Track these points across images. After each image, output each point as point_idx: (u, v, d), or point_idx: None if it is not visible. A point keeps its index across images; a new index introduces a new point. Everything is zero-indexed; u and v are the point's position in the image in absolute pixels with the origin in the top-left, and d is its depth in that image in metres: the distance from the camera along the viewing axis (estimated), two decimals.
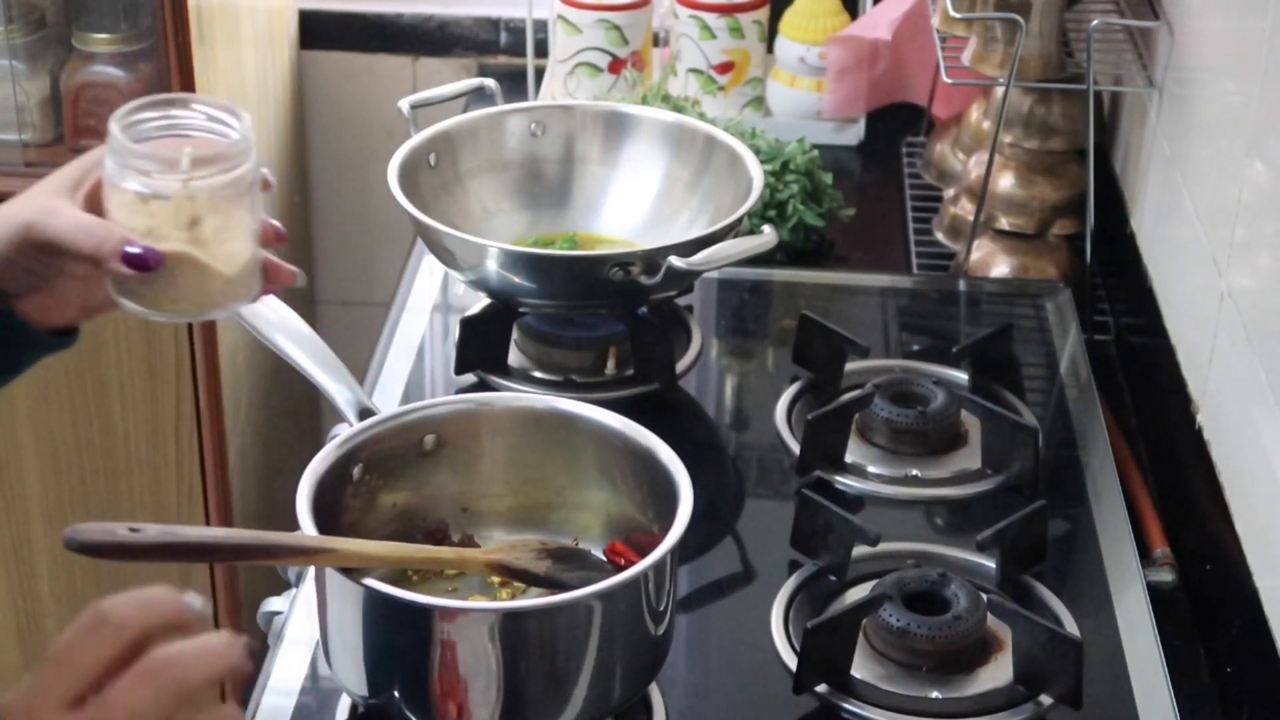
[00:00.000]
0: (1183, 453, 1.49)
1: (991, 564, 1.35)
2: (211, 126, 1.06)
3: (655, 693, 1.22)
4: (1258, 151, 1.36)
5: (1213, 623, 1.37)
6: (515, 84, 2.16)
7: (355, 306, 2.48)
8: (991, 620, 1.27)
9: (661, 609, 1.14)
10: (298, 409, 2.44)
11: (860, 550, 1.33)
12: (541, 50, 2.25)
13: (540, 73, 2.23)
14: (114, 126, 1.03)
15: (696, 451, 1.26)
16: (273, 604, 1.33)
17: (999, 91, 1.81)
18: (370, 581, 1.09)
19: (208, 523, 2.11)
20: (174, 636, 0.81)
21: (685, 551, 1.23)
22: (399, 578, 1.22)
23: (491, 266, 1.50)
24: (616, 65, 2.13)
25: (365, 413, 1.25)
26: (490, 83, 1.73)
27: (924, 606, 1.26)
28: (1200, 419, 1.46)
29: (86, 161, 1.08)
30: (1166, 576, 1.43)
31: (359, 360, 1.43)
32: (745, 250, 1.48)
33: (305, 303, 2.42)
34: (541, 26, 2.23)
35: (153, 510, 2.10)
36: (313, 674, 1.25)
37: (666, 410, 1.54)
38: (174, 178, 1.02)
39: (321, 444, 1.21)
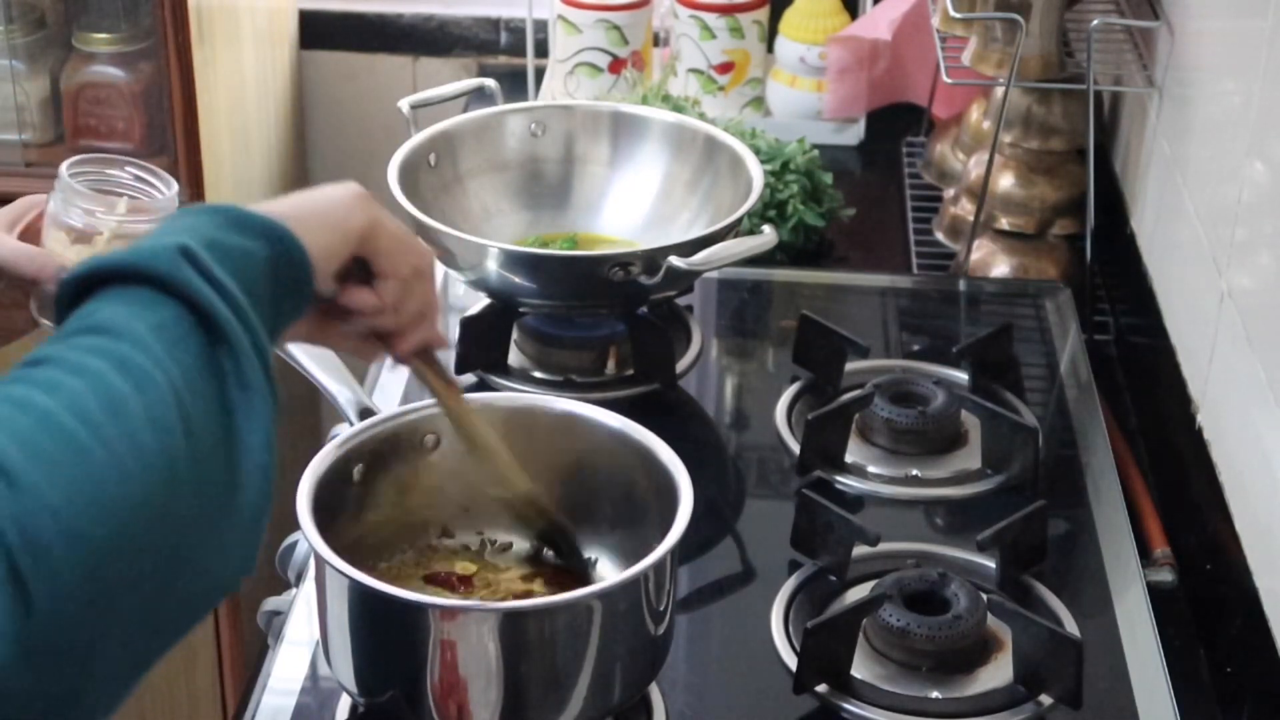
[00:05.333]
0: (1183, 453, 1.49)
1: (991, 564, 1.35)
2: (137, 185, 1.24)
3: (655, 693, 1.22)
4: (1258, 151, 1.36)
5: (1213, 623, 1.37)
6: (515, 84, 2.16)
7: None
8: (991, 620, 1.27)
9: (661, 609, 1.14)
10: (298, 409, 2.44)
11: (860, 550, 1.33)
12: (541, 50, 2.25)
13: (540, 73, 2.23)
14: (64, 170, 1.20)
15: (696, 451, 1.27)
16: (272, 604, 1.33)
17: (999, 91, 1.81)
18: (370, 581, 1.09)
19: None
20: None
21: (685, 551, 1.23)
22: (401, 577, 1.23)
23: (491, 266, 1.50)
24: (616, 65, 2.13)
25: (365, 413, 1.25)
26: (490, 83, 1.73)
27: (924, 606, 1.26)
28: (1200, 419, 1.46)
29: (22, 205, 1.22)
30: (1166, 576, 1.43)
31: (359, 360, 1.43)
32: (745, 250, 1.48)
33: None
34: (541, 26, 2.23)
35: None
36: (313, 674, 1.25)
37: (666, 410, 1.54)
38: (111, 218, 1.20)
39: (321, 444, 1.21)
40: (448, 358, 1.59)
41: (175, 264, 0.82)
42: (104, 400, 0.74)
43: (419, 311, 1.07)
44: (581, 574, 1.24)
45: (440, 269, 1.71)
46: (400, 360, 1.11)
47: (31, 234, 1.20)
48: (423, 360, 1.13)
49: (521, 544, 1.28)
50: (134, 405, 0.75)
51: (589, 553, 1.26)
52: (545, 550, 1.26)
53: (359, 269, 1.03)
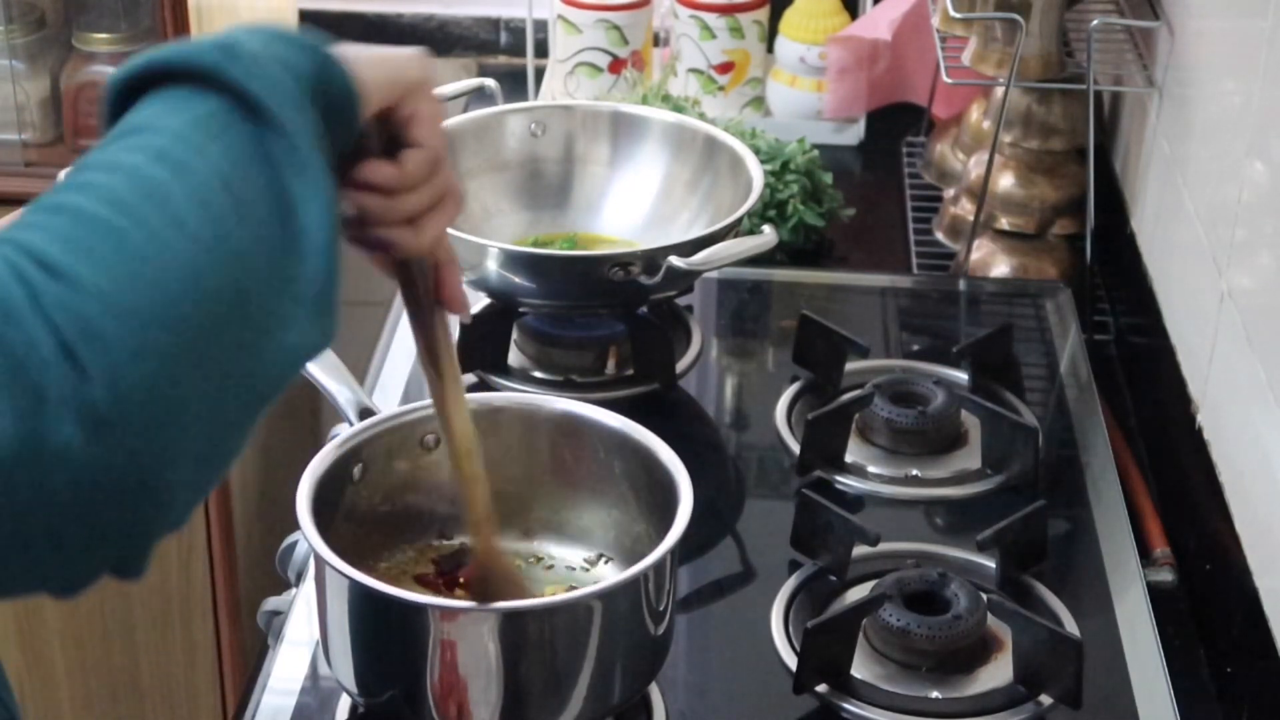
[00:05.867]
0: (1183, 453, 1.49)
1: (991, 564, 1.35)
2: None
3: (655, 693, 1.22)
4: (1258, 151, 1.36)
5: (1213, 623, 1.37)
6: (515, 84, 2.16)
7: (355, 306, 2.46)
8: (991, 620, 1.27)
9: (661, 609, 1.14)
10: (298, 409, 2.44)
11: (860, 550, 1.33)
12: (541, 50, 2.25)
13: (540, 73, 2.23)
14: (63, 175, 1.16)
15: (696, 451, 1.27)
16: (273, 604, 1.33)
17: (999, 91, 1.81)
18: (370, 581, 1.09)
19: (207, 522, 2.11)
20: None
21: (685, 551, 1.23)
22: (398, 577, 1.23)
23: (491, 266, 1.50)
24: (616, 65, 2.13)
25: (365, 413, 1.25)
26: (490, 83, 1.73)
27: (924, 606, 1.26)
28: (1200, 419, 1.46)
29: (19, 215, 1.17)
30: (1166, 576, 1.42)
31: (359, 360, 1.43)
32: (745, 250, 1.48)
33: None
34: (541, 26, 2.23)
35: None
36: (313, 674, 1.25)
37: (666, 410, 1.54)
38: None
39: (321, 444, 1.21)
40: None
41: (217, 59, 0.80)
42: (139, 189, 0.74)
43: (432, 204, 0.99)
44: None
45: None
46: (399, 263, 1.02)
47: None
48: (414, 280, 1.04)
49: (520, 544, 1.28)
50: (172, 190, 0.74)
51: (589, 551, 1.26)
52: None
53: (382, 143, 0.96)
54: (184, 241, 0.73)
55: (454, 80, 1.86)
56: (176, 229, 0.73)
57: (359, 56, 0.90)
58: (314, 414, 2.50)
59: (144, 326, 0.71)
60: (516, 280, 1.50)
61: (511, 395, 1.48)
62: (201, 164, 0.76)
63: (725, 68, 2.14)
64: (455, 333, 1.56)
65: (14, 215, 0.79)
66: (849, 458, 1.49)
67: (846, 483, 1.46)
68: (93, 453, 0.69)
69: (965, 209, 1.89)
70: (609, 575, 1.24)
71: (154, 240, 0.73)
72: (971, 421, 1.52)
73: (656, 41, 2.23)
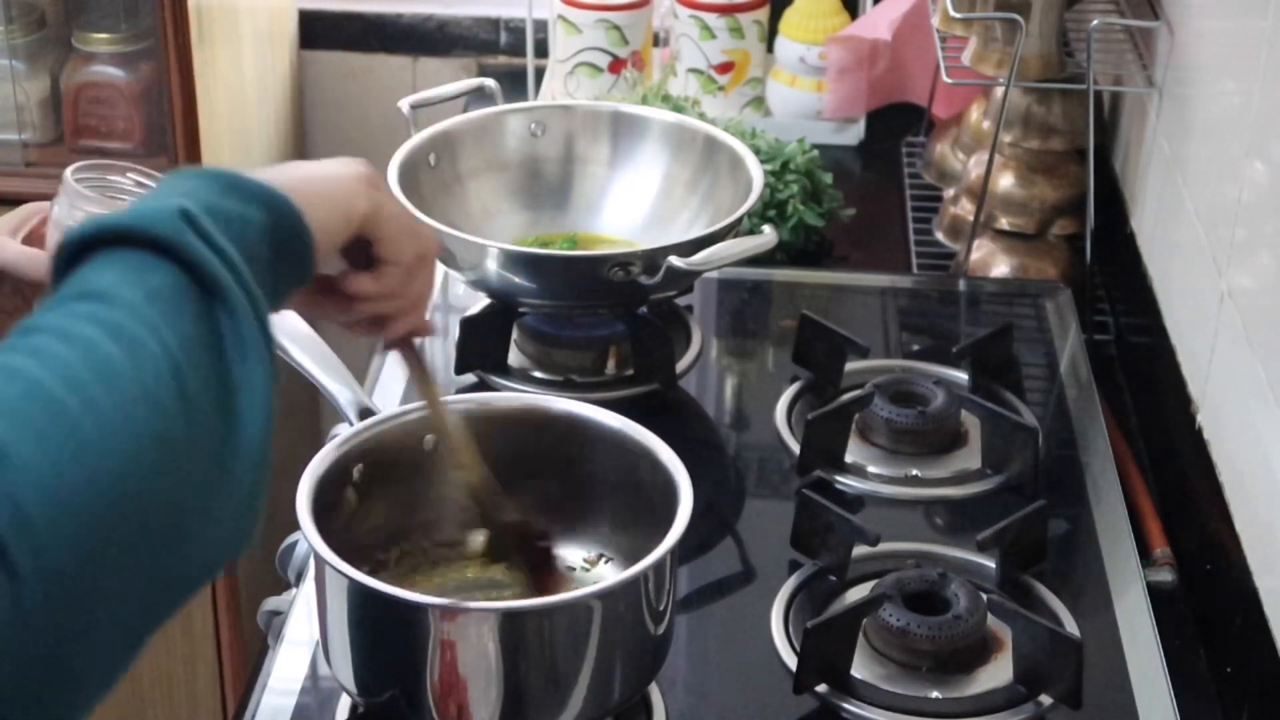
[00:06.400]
0: (1183, 453, 1.49)
1: (991, 564, 1.35)
2: (139, 191, 1.21)
3: (655, 693, 1.22)
4: (1258, 151, 1.36)
5: (1213, 623, 1.37)
6: (515, 84, 2.16)
7: None
8: (991, 620, 1.27)
9: (661, 609, 1.14)
10: (298, 409, 2.44)
11: (860, 550, 1.33)
12: (541, 50, 2.25)
13: (540, 73, 2.23)
14: (68, 175, 1.18)
15: (696, 451, 1.26)
16: (272, 604, 1.33)
17: (999, 91, 1.81)
18: (370, 581, 1.09)
19: None
20: None
21: (685, 551, 1.23)
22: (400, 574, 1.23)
23: (491, 266, 1.50)
24: (616, 65, 2.13)
25: (365, 413, 1.25)
26: (490, 83, 1.73)
27: (924, 606, 1.26)
28: (1200, 419, 1.46)
29: (25, 211, 1.19)
30: (1166, 576, 1.42)
31: (359, 360, 1.43)
32: (745, 250, 1.48)
33: None
34: (541, 26, 2.23)
35: None
36: (313, 674, 1.25)
37: (666, 410, 1.54)
38: None
39: (321, 444, 1.21)
40: (448, 356, 1.60)
41: (175, 227, 0.80)
42: (95, 369, 0.73)
43: (416, 299, 1.07)
44: (544, 562, 1.23)
45: (440, 268, 1.71)
46: (389, 346, 1.12)
47: (35, 239, 1.20)
48: (407, 347, 1.13)
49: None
50: (126, 374, 0.74)
51: (589, 552, 1.26)
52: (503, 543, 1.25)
53: (360, 252, 1.02)
54: (131, 438, 0.72)
55: (454, 80, 1.87)
56: (126, 423, 0.72)
57: (305, 193, 0.91)
58: (314, 414, 2.50)
59: (82, 528, 0.69)
60: (516, 280, 1.50)
61: (511, 395, 1.48)
62: (155, 345, 0.76)
63: (725, 68, 2.14)
64: (455, 338, 1.57)
65: None
66: (849, 458, 1.49)
67: (846, 483, 1.46)
68: (11, 666, 0.67)
69: (965, 209, 1.89)
70: (609, 575, 1.24)
71: (104, 433, 0.71)
72: (971, 421, 1.52)
73: (656, 41, 2.23)
